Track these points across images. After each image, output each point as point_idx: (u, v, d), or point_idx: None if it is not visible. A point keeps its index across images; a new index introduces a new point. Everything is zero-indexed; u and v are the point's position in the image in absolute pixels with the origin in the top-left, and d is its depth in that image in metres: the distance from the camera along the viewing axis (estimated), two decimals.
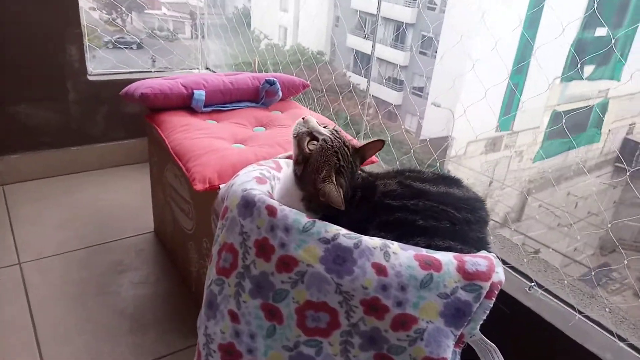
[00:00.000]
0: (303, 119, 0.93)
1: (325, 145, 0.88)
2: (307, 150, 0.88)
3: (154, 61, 2.79)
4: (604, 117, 6.02)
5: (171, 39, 3.20)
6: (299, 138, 0.90)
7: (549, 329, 1.06)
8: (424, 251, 0.85)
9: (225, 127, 1.56)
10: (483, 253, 0.88)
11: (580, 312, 1.07)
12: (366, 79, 1.81)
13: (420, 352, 0.81)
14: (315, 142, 0.89)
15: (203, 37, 2.84)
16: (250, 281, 0.88)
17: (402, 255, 0.83)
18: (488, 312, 0.82)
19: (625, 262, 0.97)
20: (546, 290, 1.13)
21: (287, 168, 1.04)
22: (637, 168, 0.99)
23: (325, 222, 0.86)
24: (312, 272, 0.83)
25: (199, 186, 1.20)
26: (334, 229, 0.85)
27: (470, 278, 0.81)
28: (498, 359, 0.85)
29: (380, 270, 0.81)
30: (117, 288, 1.65)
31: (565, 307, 1.10)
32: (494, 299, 0.82)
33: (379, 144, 0.93)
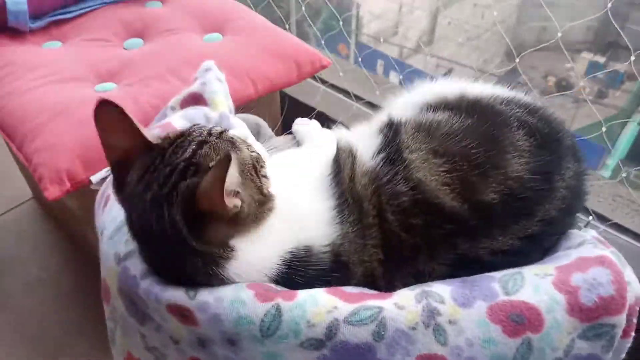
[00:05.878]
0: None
1: None
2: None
3: None
4: None
5: None
6: None
7: None
8: (498, 289, 0.46)
9: (78, 53, 0.97)
10: (591, 247, 0.50)
11: None
12: None
13: None
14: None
15: None
16: None
17: (467, 321, 0.44)
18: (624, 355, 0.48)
19: None
20: None
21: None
22: None
23: (302, 299, 0.44)
24: None
25: (52, 192, 0.69)
26: (321, 309, 0.43)
27: (593, 317, 0.45)
28: None
29: None
30: (2, 298, 1.21)
31: None
32: (633, 333, 0.47)
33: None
